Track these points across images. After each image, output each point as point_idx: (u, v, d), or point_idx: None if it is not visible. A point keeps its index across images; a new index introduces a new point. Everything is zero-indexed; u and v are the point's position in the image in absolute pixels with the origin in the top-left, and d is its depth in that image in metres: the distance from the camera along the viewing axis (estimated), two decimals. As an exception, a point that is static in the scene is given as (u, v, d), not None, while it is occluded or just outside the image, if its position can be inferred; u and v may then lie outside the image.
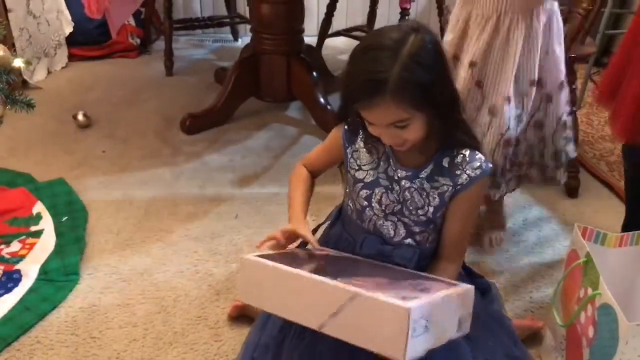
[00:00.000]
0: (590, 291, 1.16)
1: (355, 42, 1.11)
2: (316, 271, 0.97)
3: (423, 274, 1.12)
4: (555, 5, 1.49)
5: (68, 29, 3.03)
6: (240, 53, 2.87)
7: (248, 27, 2.90)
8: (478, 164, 1.11)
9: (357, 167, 1.18)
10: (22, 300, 1.54)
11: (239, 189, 2.08)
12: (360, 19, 3.37)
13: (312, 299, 0.91)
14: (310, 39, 2.76)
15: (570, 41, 1.84)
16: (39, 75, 2.85)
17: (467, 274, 1.29)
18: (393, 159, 1.15)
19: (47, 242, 1.76)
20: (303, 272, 0.94)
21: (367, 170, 1.17)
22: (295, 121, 2.59)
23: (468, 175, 1.11)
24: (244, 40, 3.40)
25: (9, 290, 1.57)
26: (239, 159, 2.26)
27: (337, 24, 3.18)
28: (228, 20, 3.38)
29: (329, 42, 3.03)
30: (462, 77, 1.49)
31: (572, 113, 1.69)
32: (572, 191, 2.06)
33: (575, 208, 2.00)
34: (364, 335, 0.87)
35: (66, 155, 2.25)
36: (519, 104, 1.50)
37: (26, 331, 1.46)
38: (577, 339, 1.21)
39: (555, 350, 1.33)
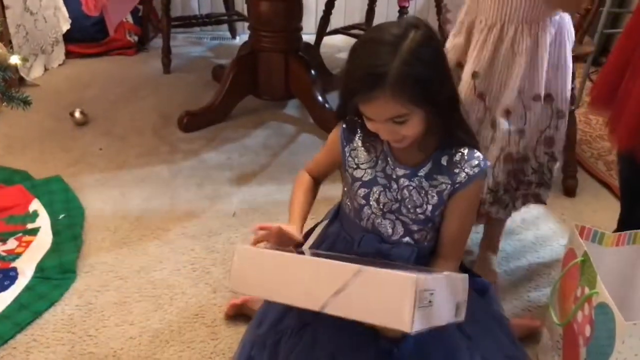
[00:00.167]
0: (587, 290, 1.16)
1: (354, 40, 1.11)
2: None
3: (420, 266, 1.12)
4: (567, 18, 1.42)
5: (65, 26, 3.02)
6: (238, 51, 2.86)
7: (246, 24, 2.90)
8: (476, 162, 1.11)
9: (355, 166, 1.18)
10: (18, 298, 1.54)
11: (237, 187, 2.07)
12: (359, 17, 3.37)
13: (313, 280, 0.92)
14: (308, 37, 2.76)
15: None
16: (35, 72, 2.84)
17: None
18: (391, 158, 1.15)
19: (43, 240, 1.75)
20: (304, 256, 0.96)
21: (365, 169, 1.17)
22: (293, 119, 2.59)
23: (467, 173, 1.11)
24: (242, 38, 3.40)
25: (5, 288, 1.57)
26: (236, 157, 2.26)
27: (336, 22, 3.18)
28: (226, 17, 3.38)
29: (327, 40, 3.03)
30: (464, 86, 1.43)
31: (571, 113, 1.67)
32: (570, 190, 2.06)
33: (573, 207, 2.01)
34: (369, 311, 0.88)
35: (63, 153, 2.25)
36: (520, 118, 1.43)
37: (22, 329, 1.46)
38: (574, 338, 1.21)
39: (552, 349, 1.33)
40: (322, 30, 2.97)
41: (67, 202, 1.93)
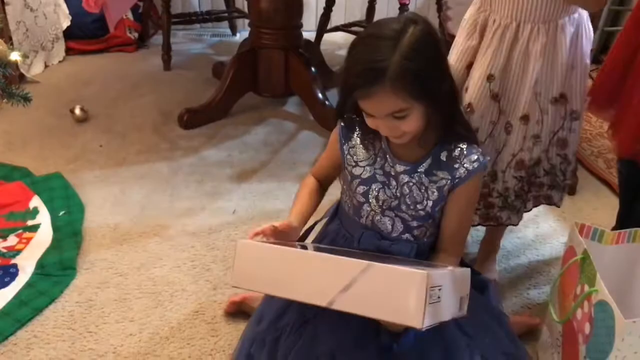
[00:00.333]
0: (587, 288, 1.16)
1: (354, 38, 1.11)
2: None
3: (422, 260, 1.13)
4: (585, 15, 1.34)
5: (65, 22, 3.02)
6: (239, 48, 2.86)
7: (246, 21, 2.89)
8: (475, 157, 1.11)
9: (353, 164, 1.18)
10: (18, 295, 1.54)
11: (237, 184, 2.07)
12: (359, 14, 3.37)
13: (320, 276, 0.90)
14: (308, 34, 2.76)
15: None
16: (36, 69, 2.84)
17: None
18: (390, 155, 1.15)
19: (44, 237, 1.75)
20: (309, 251, 0.94)
21: (364, 167, 1.17)
22: (293, 116, 2.59)
23: (466, 168, 1.11)
24: (242, 34, 3.40)
25: (5, 284, 1.57)
26: (236, 154, 2.26)
27: (336, 19, 3.17)
28: (226, 14, 3.37)
29: (327, 37, 3.03)
30: (476, 87, 1.36)
31: None
32: (570, 188, 2.06)
33: (573, 205, 2.01)
34: (378, 307, 0.87)
35: (63, 150, 2.25)
36: (537, 124, 1.38)
37: (23, 325, 1.46)
38: (573, 335, 1.21)
39: (552, 347, 1.33)
40: (323, 27, 2.97)
41: (67, 198, 1.93)
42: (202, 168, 2.16)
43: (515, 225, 1.54)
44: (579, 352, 1.19)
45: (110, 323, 1.48)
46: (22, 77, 2.70)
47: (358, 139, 1.18)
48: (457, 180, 1.12)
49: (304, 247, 1.17)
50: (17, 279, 1.59)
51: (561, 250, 1.41)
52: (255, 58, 2.47)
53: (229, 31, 3.52)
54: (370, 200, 1.16)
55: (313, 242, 1.31)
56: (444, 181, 1.12)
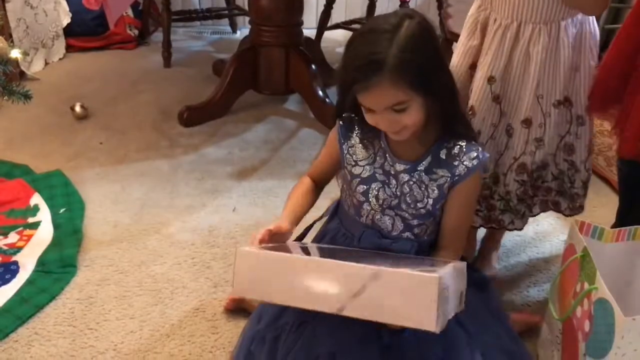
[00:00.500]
0: (586, 285, 1.17)
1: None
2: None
3: (420, 257, 1.13)
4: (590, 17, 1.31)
5: (66, 19, 3.02)
6: (239, 45, 2.86)
7: (247, 19, 2.89)
8: (475, 154, 1.12)
9: (353, 163, 1.18)
10: (19, 292, 1.54)
11: (237, 182, 2.07)
12: (360, 12, 3.36)
13: (327, 283, 0.89)
14: (309, 31, 2.75)
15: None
16: (36, 66, 2.84)
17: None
18: (390, 154, 1.15)
19: (44, 234, 1.75)
20: (315, 258, 0.93)
21: (364, 166, 1.17)
22: (293, 114, 2.58)
23: (465, 166, 1.11)
24: (243, 32, 3.39)
25: (6, 281, 1.57)
26: (237, 152, 2.26)
27: (336, 16, 3.17)
28: (226, 12, 3.37)
29: (328, 34, 3.02)
30: (478, 89, 1.34)
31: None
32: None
33: (572, 203, 2.00)
34: (390, 312, 0.86)
35: (63, 147, 2.25)
36: (540, 127, 1.34)
37: (24, 322, 1.46)
38: (573, 333, 1.22)
39: (552, 344, 1.34)
40: (323, 24, 2.97)
41: (67, 196, 1.93)
42: (202, 165, 2.16)
43: (520, 230, 1.50)
44: (578, 350, 1.19)
45: (111, 320, 1.48)
46: (22, 75, 2.70)
47: (357, 138, 1.18)
48: (456, 178, 1.12)
49: (305, 248, 1.17)
50: (18, 276, 1.59)
51: (561, 248, 1.41)
52: (255, 56, 2.47)
53: (229, 28, 3.51)
54: (370, 200, 1.16)
55: (312, 241, 1.31)
56: (443, 179, 1.12)
